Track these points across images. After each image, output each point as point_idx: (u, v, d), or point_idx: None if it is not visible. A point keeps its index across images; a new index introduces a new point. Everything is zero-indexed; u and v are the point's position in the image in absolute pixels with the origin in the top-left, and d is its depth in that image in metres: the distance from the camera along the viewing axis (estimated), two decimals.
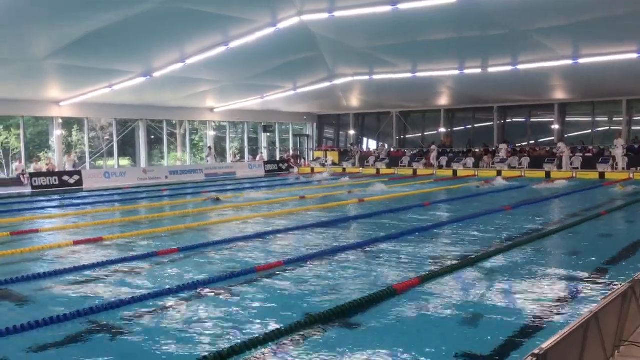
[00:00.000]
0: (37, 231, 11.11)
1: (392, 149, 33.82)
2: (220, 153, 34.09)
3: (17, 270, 7.57)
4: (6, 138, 28.73)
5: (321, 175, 26.52)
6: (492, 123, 31.58)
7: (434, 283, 6.60)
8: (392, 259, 8.08)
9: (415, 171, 29.23)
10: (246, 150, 34.94)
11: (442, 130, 33.15)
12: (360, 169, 31.31)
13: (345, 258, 8.19)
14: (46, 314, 5.37)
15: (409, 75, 24.36)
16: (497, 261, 7.79)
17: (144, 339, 4.88)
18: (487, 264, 7.59)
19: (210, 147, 31.21)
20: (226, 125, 33.95)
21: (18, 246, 9.51)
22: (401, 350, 4.59)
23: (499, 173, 25.78)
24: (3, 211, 15.01)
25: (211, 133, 32.73)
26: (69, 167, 25.17)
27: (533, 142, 30.62)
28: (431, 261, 7.88)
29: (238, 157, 33.93)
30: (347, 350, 4.57)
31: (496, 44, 19.58)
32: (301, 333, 4.90)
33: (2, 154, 28.55)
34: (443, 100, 30.94)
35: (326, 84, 27.26)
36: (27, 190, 21.60)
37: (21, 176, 24.00)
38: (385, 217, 12.48)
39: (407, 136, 35.35)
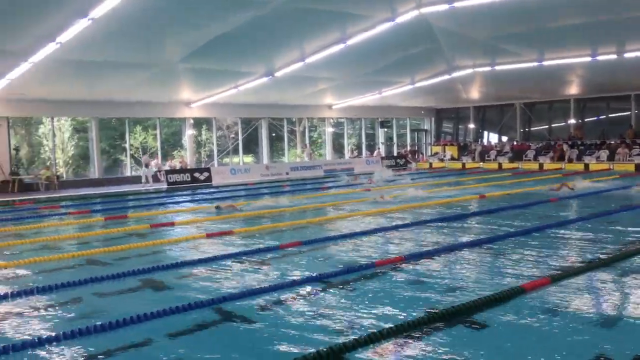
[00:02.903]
0: (172, 224, 11.99)
1: (515, 142, 32.29)
2: (338, 149, 34.56)
3: (156, 260, 8.24)
4: (144, 138, 31.30)
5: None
6: (628, 113, 29.04)
7: (566, 283, 6.23)
8: (518, 256, 7.74)
9: (541, 165, 27.71)
10: (363, 146, 35.11)
11: (572, 121, 31.07)
12: (481, 163, 30.27)
13: (467, 254, 7.99)
14: (182, 301, 5.78)
15: (534, 64, 23.09)
16: (637, 263, 7.19)
17: (268, 329, 5.10)
18: (626, 265, 7.03)
19: (306, 145, 31.67)
20: (344, 122, 34.34)
21: (157, 237, 10.36)
22: (527, 351, 4.41)
23: (638, 167, 23.69)
24: (143, 205, 16.40)
25: (329, 130, 33.28)
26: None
27: None
28: (561, 260, 7.45)
29: (356, 153, 34.19)
30: (469, 350, 4.46)
31: (634, 27, 17.97)
32: (422, 330, 4.86)
33: (141, 153, 31.14)
34: (572, 90, 28.98)
35: (445, 77, 26.63)
36: (164, 186, 23.37)
37: (158, 173, 26.02)
38: (509, 213, 11.98)
39: (531, 129, 33.56)
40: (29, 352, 4.65)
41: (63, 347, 4.77)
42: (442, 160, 32.25)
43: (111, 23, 14.44)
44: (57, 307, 6.02)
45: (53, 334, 4.99)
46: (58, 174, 24.20)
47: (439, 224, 10.85)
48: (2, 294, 6.41)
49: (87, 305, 6.09)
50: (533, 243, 8.63)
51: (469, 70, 25.58)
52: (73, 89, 21.79)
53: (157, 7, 14.62)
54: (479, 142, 33.66)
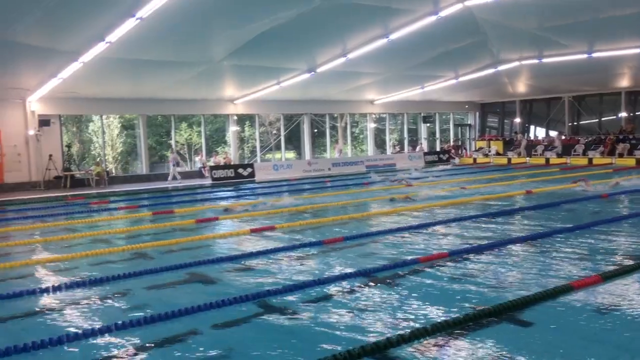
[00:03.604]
0: (216, 219, 12.20)
1: (563, 137, 31.42)
2: (380, 145, 34.40)
3: (202, 254, 8.42)
4: (189, 135, 31.91)
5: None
6: None
7: (618, 282, 6.05)
8: (566, 253, 7.55)
9: (590, 160, 26.89)
10: (406, 141, 34.84)
11: (623, 114, 30.00)
12: (527, 158, 29.60)
13: (513, 251, 7.85)
14: (227, 295, 5.88)
15: (584, 56, 22.41)
16: None
17: (311, 324, 5.14)
18: None
19: (338, 141, 31.46)
20: (386, 117, 34.14)
21: (202, 232, 10.57)
22: (575, 351, 4.31)
23: None
24: (188, 201, 16.74)
25: (371, 125, 33.14)
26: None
27: None
28: (612, 258, 7.23)
29: (398, 149, 33.96)
30: (514, 348, 4.39)
31: None
32: (467, 327, 4.81)
33: (186, 149, 31.78)
34: (624, 82, 27.99)
35: (490, 71, 26.15)
36: (208, 181, 23.77)
37: (202, 169, 26.50)
38: (557, 209, 11.69)
39: (580, 122, 32.58)
40: (82, 342, 4.82)
41: (114, 337, 4.94)
42: (486, 155, 31.70)
43: (158, 22, 14.77)
44: (107, 299, 6.23)
45: (104, 325, 5.17)
46: (107, 169, 24.94)
47: (484, 219, 10.69)
48: (56, 286, 6.66)
49: (136, 297, 6.28)
50: (583, 240, 8.40)
51: (515, 63, 25.03)
52: (121, 87, 22.42)
53: (203, 6, 14.86)
54: (525, 137, 32.87)
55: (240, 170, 24.94)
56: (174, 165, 24.40)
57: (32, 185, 22.19)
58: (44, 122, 22.17)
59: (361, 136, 35.90)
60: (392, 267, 7.03)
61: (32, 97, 21.72)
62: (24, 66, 18.31)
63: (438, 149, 34.14)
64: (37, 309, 5.89)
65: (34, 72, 19.07)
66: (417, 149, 33.38)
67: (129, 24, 14.48)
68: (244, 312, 5.47)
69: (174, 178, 24.01)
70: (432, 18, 17.96)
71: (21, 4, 13.24)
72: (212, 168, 24.89)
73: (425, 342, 4.52)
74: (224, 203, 15.38)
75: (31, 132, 22.10)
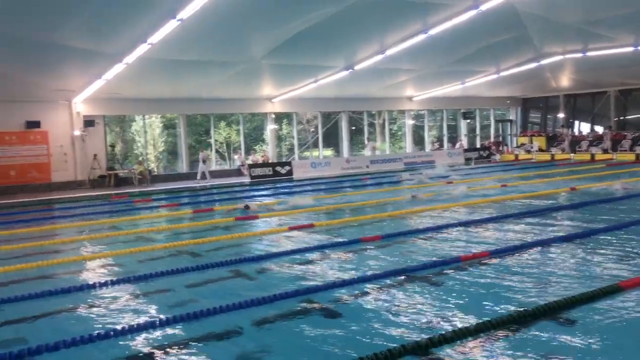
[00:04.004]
0: (256, 217, 12.31)
1: (609, 132, 30.44)
2: (419, 142, 34.08)
3: (242, 252, 8.52)
4: (228, 133, 32.30)
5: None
6: None
7: None
8: (613, 253, 7.32)
9: (637, 156, 26.00)
10: (445, 138, 34.41)
11: None
12: (571, 155, 28.83)
13: (557, 249, 7.66)
14: (267, 292, 5.93)
15: (630, 49, 21.67)
16: None
17: (352, 321, 5.13)
18: None
19: (368, 139, 31.03)
20: (424, 114, 33.80)
21: (242, 230, 10.68)
22: (620, 353, 4.18)
23: None
24: (228, 199, 16.95)
25: (409, 122, 32.86)
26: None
27: None
28: None
29: (437, 145, 33.58)
30: (558, 349, 4.29)
31: None
32: (510, 328, 4.72)
33: (225, 148, 32.18)
34: None
35: (532, 65, 25.56)
36: (247, 179, 24.02)
37: (241, 167, 26.79)
38: (604, 207, 11.35)
39: (627, 117, 31.53)
40: (127, 337, 4.95)
41: (157, 333, 5.05)
42: (529, 151, 31.01)
43: (198, 23, 14.97)
44: (151, 295, 6.37)
45: (148, 320, 5.29)
46: (149, 168, 25.47)
47: (525, 218, 10.46)
48: (102, 282, 6.85)
49: (179, 293, 6.40)
50: (630, 238, 8.14)
51: (559, 57, 24.40)
52: (162, 87, 22.85)
53: (242, 7, 15.00)
54: (570, 132, 32.00)
55: (278, 168, 25.10)
56: (203, 163, 24.11)
57: (78, 184, 22.86)
58: (88, 122, 22.81)
59: (399, 133, 35.64)
60: (433, 266, 6.96)
61: (78, 98, 22.36)
62: (70, 68, 18.87)
63: (478, 146, 33.59)
64: (85, 305, 6.08)
65: (79, 74, 19.63)
66: (457, 145, 32.92)
67: (170, 26, 14.73)
68: (284, 310, 5.51)
69: (203, 177, 23.88)
70: (473, 12, 17.64)
71: (68, 8, 13.65)
72: (251, 166, 25.13)
73: (467, 342, 4.46)
74: (264, 200, 15.52)
75: (77, 133, 22.76)
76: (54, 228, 12.47)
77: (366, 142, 30.74)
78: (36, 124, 21.69)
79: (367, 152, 30.15)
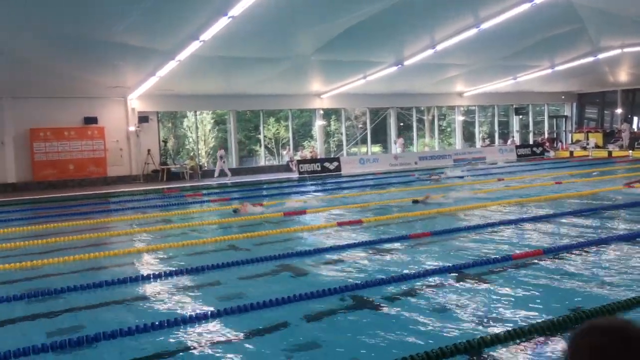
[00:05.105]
0: (304, 212, 12.37)
1: None
2: (469, 138, 33.47)
3: (290, 246, 8.60)
4: (277, 129, 32.58)
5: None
6: None
7: None
8: None
9: None
10: (496, 134, 33.67)
11: None
12: (630, 151, 27.70)
13: (613, 249, 7.40)
14: (316, 287, 5.97)
15: None
16: None
17: (400, 318, 5.12)
18: None
19: (400, 136, 30.29)
20: (475, 109, 33.16)
21: (290, 225, 10.78)
22: None
23: None
24: (277, 194, 17.12)
25: (459, 118, 32.31)
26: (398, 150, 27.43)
27: None
28: None
29: (487, 142, 32.89)
30: None
31: None
32: (565, 330, 4.59)
33: (273, 144, 32.48)
34: None
35: (589, 59, 24.66)
36: (295, 175, 24.18)
37: (290, 163, 26.98)
38: None
39: None
40: (180, 328, 5.08)
41: (208, 325, 5.16)
42: (584, 148, 29.99)
43: (248, 20, 15.15)
44: (202, 288, 6.51)
45: (200, 312, 5.41)
46: (200, 163, 25.99)
47: (582, 216, 10.13)
48: (156, 273, 7.05)
49: (230, 286, 6.51)
50: None
51: (617, 51, 23.46)
52: (213, 83, 23.26)
53: (292, 3, 15.09)
54: (630, 128, 30.73)
55: (326, 164, 25.16)
56: (221, 160, 24.19)
57: (132, 178, 23.56)
58: (143, 118, 23.46)
59: (448, 129, 35.10)
60: (484, 263, 6.84)
61: (133, 94, 23.02)
62: (125, 66, 19.45)
63: (531, 142, 32.71)
64: (138, 296, 6.27)
65: (134, 71, 20.22)
66: (509, 142, 32.16)
67: (222, 23, 14.96)
68: (333, 305, 5.53)
69: (222, 174, 23.86)
70: (527, 5, 17.17)
71: (123, 7, 14.07)
72: (299, 162, 25.28)
73: (521, 343, 4.37)
74: (308, 196, 15.59)
75: (132, 129, 23.44)
76: (109, 220, 12.91)
77: (397, 138, 29.81)
78: (93, 120, 22.47)
79: (397, 149, 29.19)
